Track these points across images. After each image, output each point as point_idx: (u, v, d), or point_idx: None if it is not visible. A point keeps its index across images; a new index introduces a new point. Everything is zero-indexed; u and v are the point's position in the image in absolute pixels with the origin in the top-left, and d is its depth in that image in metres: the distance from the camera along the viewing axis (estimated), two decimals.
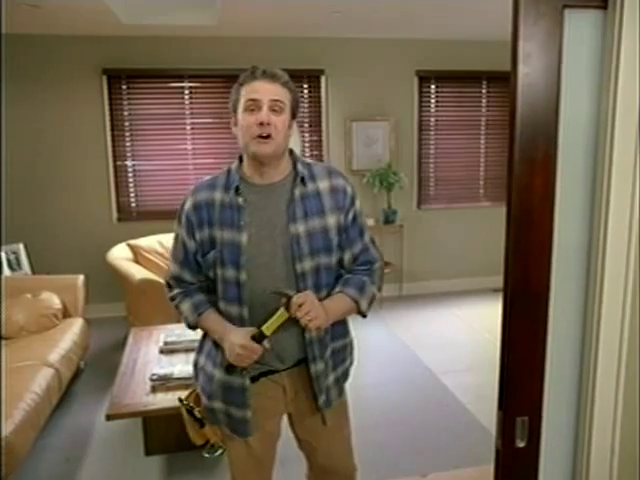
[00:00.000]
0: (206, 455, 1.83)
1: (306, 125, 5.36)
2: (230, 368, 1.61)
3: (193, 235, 1.62)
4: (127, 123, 5.01)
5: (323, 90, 5.33)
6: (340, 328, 1.73)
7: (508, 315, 1.37)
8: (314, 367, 1.65)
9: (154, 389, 2.84)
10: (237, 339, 1.54)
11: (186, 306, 1.69)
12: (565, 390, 1.41)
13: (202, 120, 5.14)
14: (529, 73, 1.22)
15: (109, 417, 2.64)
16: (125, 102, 4.98)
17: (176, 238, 1.70)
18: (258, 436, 1.71)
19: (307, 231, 1.59)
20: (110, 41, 4.84)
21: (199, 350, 1.76)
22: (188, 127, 5.12)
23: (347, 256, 1.68)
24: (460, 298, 5.69)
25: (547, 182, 1.28)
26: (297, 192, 1.60)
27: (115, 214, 5.11)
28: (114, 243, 4.70)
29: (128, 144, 5.04)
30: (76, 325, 3.81)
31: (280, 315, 1.53)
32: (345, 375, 1.82)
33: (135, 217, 5.15)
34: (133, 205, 5.14)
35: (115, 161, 5.03)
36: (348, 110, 5.40)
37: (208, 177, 1.68)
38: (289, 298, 1.51)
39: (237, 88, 1.58)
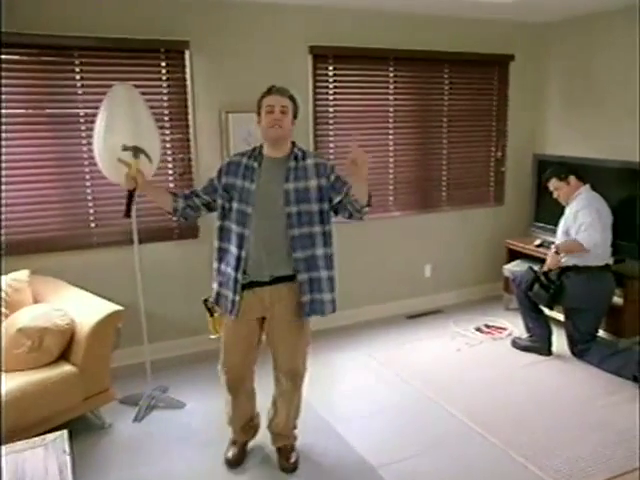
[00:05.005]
0: (211, 337, 2.82)
1: (166, 119, 3.94)
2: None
3: (219, 178, 2.65)
4: None
5: (188, 70, 3.93)
6: (308, 241, 2.58)
7: None
8: (302, 276, 2.58)
9: None
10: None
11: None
12: None
13: (15, 110, 3.53)
14: None
15: None
16: None
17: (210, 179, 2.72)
18: (243, 322, 2.62)
19: (295, 188, 2.54)
20: None
21: (216, 258, 2.68)
22: None
23: (341, 197, 2.54)
24: (372, 331, 4.59)
25: None
26: (292, 165, 2.58)
27: None
28: None
29: None
30: None
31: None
32: (317, 300, 2.65)
33: None
34: None
35: None
36: (222, 98, 4.06)
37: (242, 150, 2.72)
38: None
39: (260, 99, 2.57)
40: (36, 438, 2.26)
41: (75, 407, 2.98)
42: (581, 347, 3.97)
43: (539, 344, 4.11)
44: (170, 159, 3.98)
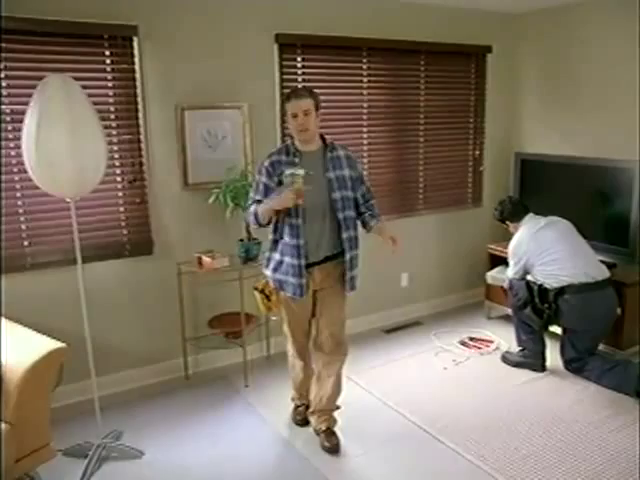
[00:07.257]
0: (273, 318, 3.57)
1: (112, 117, 3.40)
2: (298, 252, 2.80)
3: (271, 178, 2.82)
4: None
5: (137, 61, 3.39)
6: (355, 243, 2.92)
7: None
8: (348, 254, 2.87)
9: None
10: (284, 193, 2.68)
11: (252, 209, 2.86)
12: None
13: None
14: None
15: None
16: None
17: (257, 183, 2.88)
18: (303, 298, 2.88)
19: (336, 176, 2.83)
20: None
21: (272, 249, 2.91)
22: None
23: (357, 194, 2.95)
24: (349, 349, 4.15)
25: None
26: (328, 155, 2.86)
27: None
28: None
29: None
30: None
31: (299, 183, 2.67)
32: (355, 276, 2.95)
33: None
34: None
35: None
36: (178, 92, 3.55)
37: (276, 148, 3.01)
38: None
39: (285, 104, 2.80)
40: None
41: (5, 472, 2.42)
42: (576, 365, 3.67)
43: (532, 359, 3.78)
44: (118, 164, 3.43)
